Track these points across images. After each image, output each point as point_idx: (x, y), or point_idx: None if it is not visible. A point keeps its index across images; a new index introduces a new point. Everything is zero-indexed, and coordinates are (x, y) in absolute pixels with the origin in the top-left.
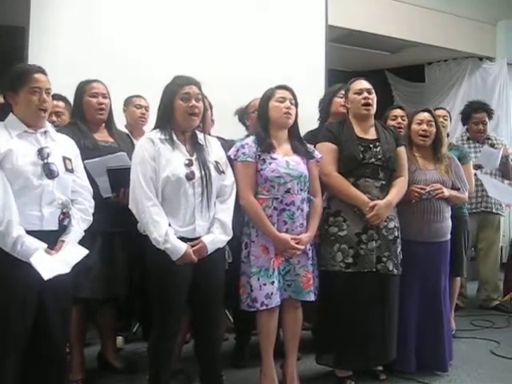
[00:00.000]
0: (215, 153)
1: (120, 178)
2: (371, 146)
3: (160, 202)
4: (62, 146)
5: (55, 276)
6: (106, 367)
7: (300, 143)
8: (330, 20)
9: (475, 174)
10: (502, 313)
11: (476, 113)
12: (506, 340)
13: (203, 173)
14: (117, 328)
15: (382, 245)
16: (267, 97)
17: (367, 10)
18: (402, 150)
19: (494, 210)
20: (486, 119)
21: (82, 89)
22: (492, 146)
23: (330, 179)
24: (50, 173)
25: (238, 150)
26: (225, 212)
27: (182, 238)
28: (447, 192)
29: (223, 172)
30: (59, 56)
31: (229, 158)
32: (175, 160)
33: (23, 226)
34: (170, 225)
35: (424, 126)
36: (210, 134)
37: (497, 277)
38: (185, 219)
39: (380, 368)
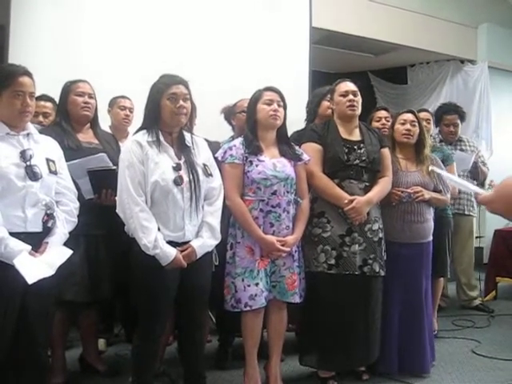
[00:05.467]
0: (203, 155)
1: (101, 178)
2: (355, 147)
3: (149, 207)
4: (46, 148)
5: (39, 279)
6: (88, 370)
7: (288, 145)
8: (313, 22)
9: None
10: (483, 312)
11: (447, 114)
12: (486, 339)
13: (191, 177)
14: (99, 330)
15: (367, 247)
16: (255, 99)
17: (351, 12)
18: (387, 151)
19: (466, 212)
20: (458, 121)
21: (68, 88)
22: (461, 150)
23: (315, 179)
24: (33, 175)
25: (225, 152)
26: (213, 215)
27: (171, 242)
28: (428, 194)
29: (211, 175)
30: (40, 55)
31: (216, 159)
32: (163, 164)
33: (6, 227)
34: (159, 229)
35: (408, 126)
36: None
37: (472, 276)
38: (174, 224)
39: (363, 368)
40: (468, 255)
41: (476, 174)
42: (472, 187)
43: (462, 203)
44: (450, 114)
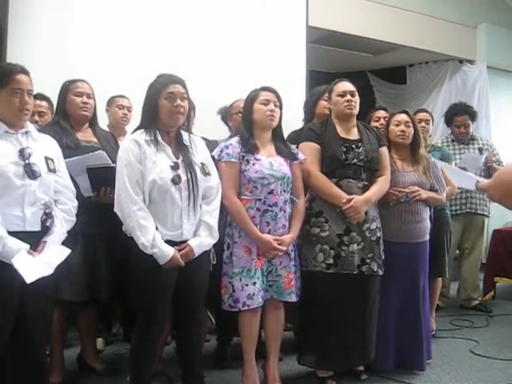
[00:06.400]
0: (200, 154)
1: (100, 176)
2: (354, 146)
3: (146, 206)
4: (44, 146)
5: (37, 278)
6: (86, 369)
7: (283, 144)
8: (311, 21)
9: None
10: (482, 312)
11: (457, 115)
12: (484, 339)
13: (189, 176)
14: (97, 329)
15: (365, 246)
16: (251, 98)
17: (350, 12)
18: (385, 150)
19: (478, 211)
20: (469, 122)
21: (67, 88)
22: (480, 150)
23: (312, 178)
24: (32, 173)
25: (221, 151)
26: (211, 214)
27: (169, 241)
28: (425, 194)
29: (209, 174)
30: (38, 54)
31: (213, 158)
32: (161, 163)
33: (5, 226)
34: (156, 228)
35: (402, 127)
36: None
37: (477, 277)
38: (172, 223)
39: (361, 368)
40: (476, 255)
41: (487, 174)
42: (472, 176)
43: (475, 202)
44: (460, 115)
